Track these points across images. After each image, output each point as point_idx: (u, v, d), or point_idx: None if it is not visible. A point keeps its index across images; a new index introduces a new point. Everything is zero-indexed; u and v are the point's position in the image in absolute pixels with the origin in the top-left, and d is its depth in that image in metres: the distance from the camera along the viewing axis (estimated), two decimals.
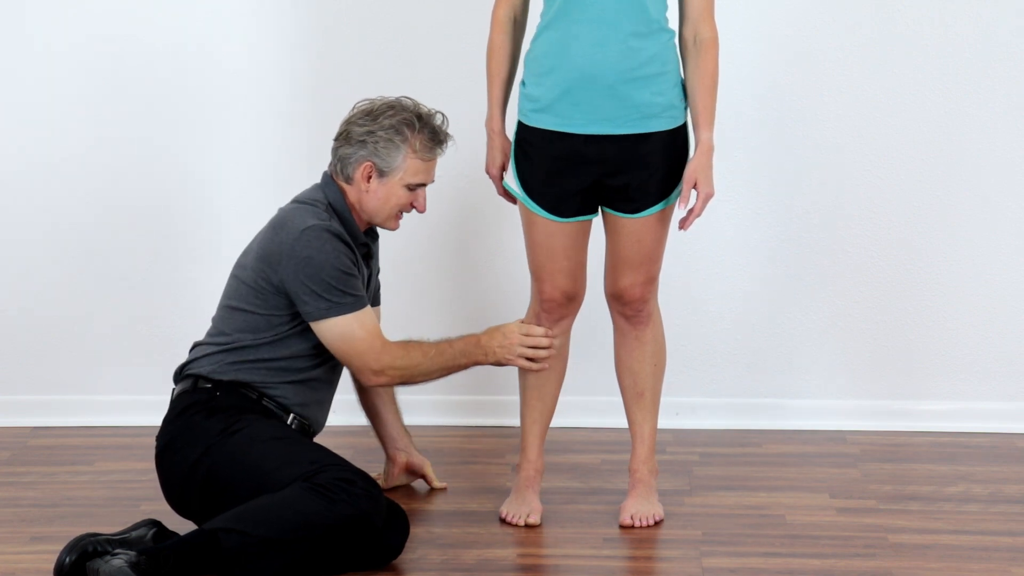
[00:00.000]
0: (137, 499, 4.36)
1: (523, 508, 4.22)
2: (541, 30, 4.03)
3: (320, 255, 3.95)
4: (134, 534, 3.87)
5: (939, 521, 4.22)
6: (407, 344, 4.03)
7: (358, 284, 4.00)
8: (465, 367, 4.06)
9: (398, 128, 4.03)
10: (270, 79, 4.92)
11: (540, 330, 4.08)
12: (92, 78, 4.92)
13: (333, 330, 3.98)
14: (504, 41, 4.09)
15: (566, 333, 4.21)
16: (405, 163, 4.05)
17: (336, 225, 4.01)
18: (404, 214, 4.13)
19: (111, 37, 4.90)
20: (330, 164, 4.11)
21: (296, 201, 4.09)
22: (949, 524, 4.20)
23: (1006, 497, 4.39)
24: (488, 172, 4.15)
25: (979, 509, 4.31)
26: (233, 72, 4.92)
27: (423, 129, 4.04)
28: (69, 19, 4.89)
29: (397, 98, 4.09)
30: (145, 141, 4.94)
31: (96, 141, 4.94)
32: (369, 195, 4.07)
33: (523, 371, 4.20)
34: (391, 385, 4.12)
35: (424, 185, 4.09)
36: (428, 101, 4.13)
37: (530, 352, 4.07)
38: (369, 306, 4.03)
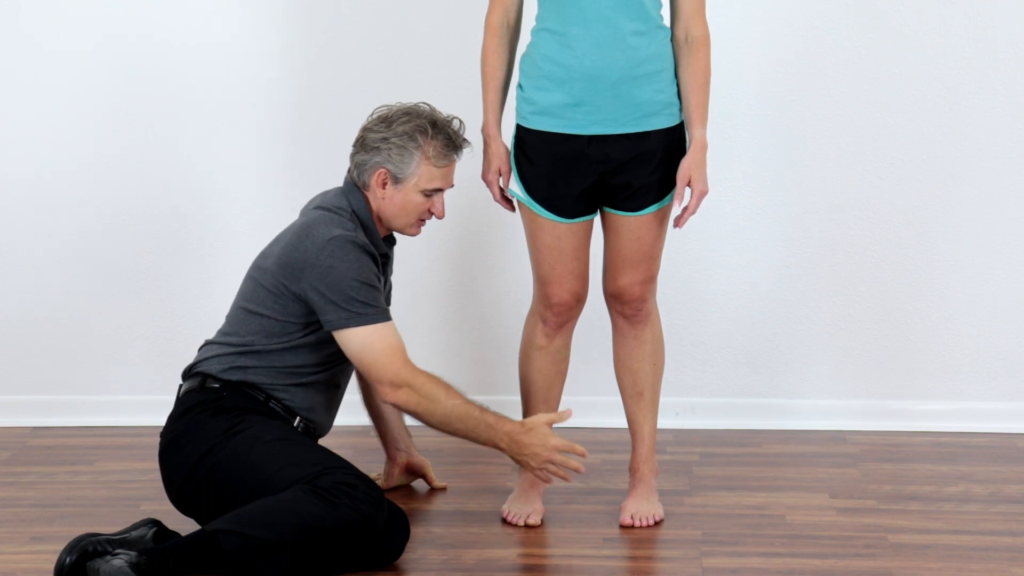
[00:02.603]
0: (137, 499, 4.36)
1: (525, 508, 4.22)
2: (538, 32, 4.03)
3: (343, 265, 3.94)
4: (134, 534, 3.87)
5: (939, 521, 4.22)
6: (435, 378, 3.95)
7: (379, 297, 3.97)
8: (482, 443, 3.94)
9: (411, 135, 4.02)
10: (275, 82, 4.92)
11: (581, 449, 3.93)
12: (96, 81, 4.92)
13: (354, 340, 3.95)
14: (498, 46, 4.08)
15: (568, 335, 4.21)
16: (419, 169, 4.03)
17: (361, 236, 3.99)
18: (425, 221, 4.11)
19: (116, 40, 4.90)
20: (348, 171, 4.11)
21: (321, 208, 4.06)
22: (949, 524, 4.20)
23: (1006, 497, 4.39)
24: (484, 178, 4.13)
25: (979, 509, 4.31)
26: (237, 74, 4.92)
27: (437, 135, 4.03)
28: (73, 23, 4.90)
29: (415, 104, 4.07)
30: (148, 142, 4.95)
31: (99, 143, 4.95)
32: (386, 202, 4.06)
33: (527, 375, 4.21)
34: (407, 409, 3.95)
35: (441, 190, 4.07)
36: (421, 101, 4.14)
37: (554, 470, 3.93)
38: (393, 321, 3.98)
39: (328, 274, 3.94)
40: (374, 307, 3.94)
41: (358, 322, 3.93)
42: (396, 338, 3.95)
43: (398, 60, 4.88)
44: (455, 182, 4.11)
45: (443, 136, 4.03)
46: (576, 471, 3.95)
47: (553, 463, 3.92)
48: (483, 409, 3.94)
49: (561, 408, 4.28)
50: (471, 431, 3.94)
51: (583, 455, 3.93)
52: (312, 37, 4.91)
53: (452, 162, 4.07)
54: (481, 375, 5.01)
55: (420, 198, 4.05)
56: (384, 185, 4.04)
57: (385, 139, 4.03)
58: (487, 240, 4.97)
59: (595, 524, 4.21)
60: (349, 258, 3.95)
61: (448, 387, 3.94)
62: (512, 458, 3.94)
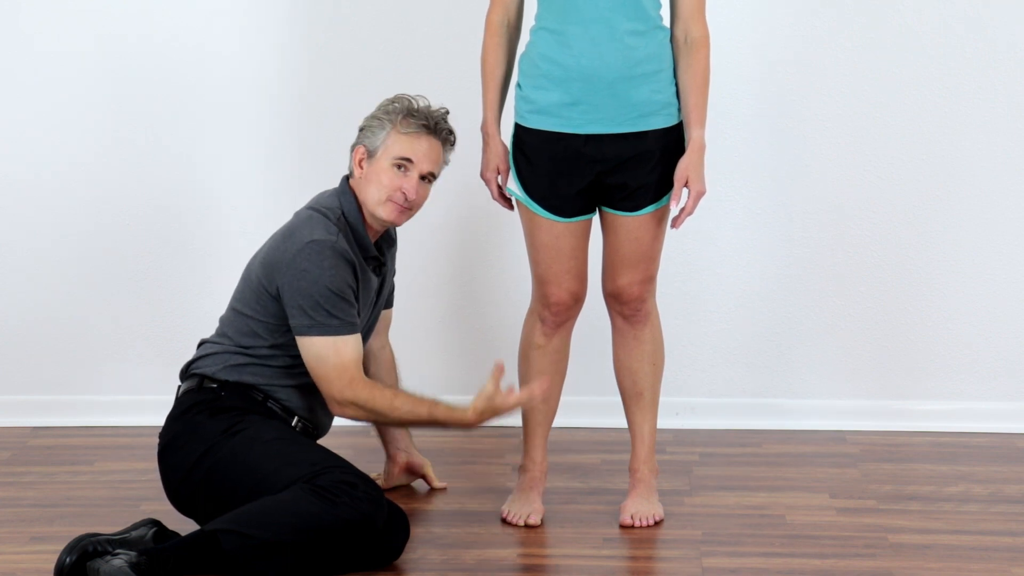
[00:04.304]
0: (137, 499, 4.36)
1: (525, 508, 4.22)
2: (536, 31, 4.03)
3: (316, 270, 3.93)
4: (134, 534, 3.87)
5: (939, 521, 4.22)
6: (377, 388, 3.97)
7: (348, 309, 3.96)
8: (444, 428, 4.00)
9: (385, 108, 4.05)
10: (275, 82, 4.92)
11: (537, 391, 3.99)
12: (96, 81, 4.92)
13: (310, 349, 3.95)
14: (498, 45, 4.08)
15: (567, 334, 4.21)
16: (388, 139, 4.03)
17: (342, 243, 3.98)
18: (405, 208, 4.04)
19: (115, 40, 4.89)
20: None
21: (312, 208, 4.06)
22: (949, 524, 4.20)
23: (1006, 497, 4.39)
24: (483, 176, 4.14)
25: (979, 509, 4.31)
26: (238, 74, 4.92)
27: (409, 109, 4.04)
28: (73, 23, 4.89)
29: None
30: (147, 142, 4.94)
31: (99, 143, 4.94)
32: (363, 181, 4.05)
33: (526, 374, 4.21)
34: (358, 420, 4.01)
35: (410, 161, 4.02)
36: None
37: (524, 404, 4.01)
38: (357, 334, 3.97)
39: (302, 277, 3.94)
40: (338, 319, 3.94)
41: (318, 331, 3.94)
42: (351, 354, 3.95)
43: (398, 60, 4.88)
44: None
45: (417, 111, 4.04)
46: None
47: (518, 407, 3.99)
48: (432, 407, 3.96)
49: (561, 407, 4.29)
50: (423, 429, 4.02)
51: (539, 388, 3.98)
52: (312, 37, 4.91)
53: (421, 133, 4.03)
54: (481, 375, 4.97)
55: (392, 171, 4.02)
56: (361, 164, 4.05)
57: (367, 118, 4.07)
58: (486, 240, 4.97)
59: (595, 524, 4.21)
60: (325, 264, 3.94)
61: (393, 396, 3.96)
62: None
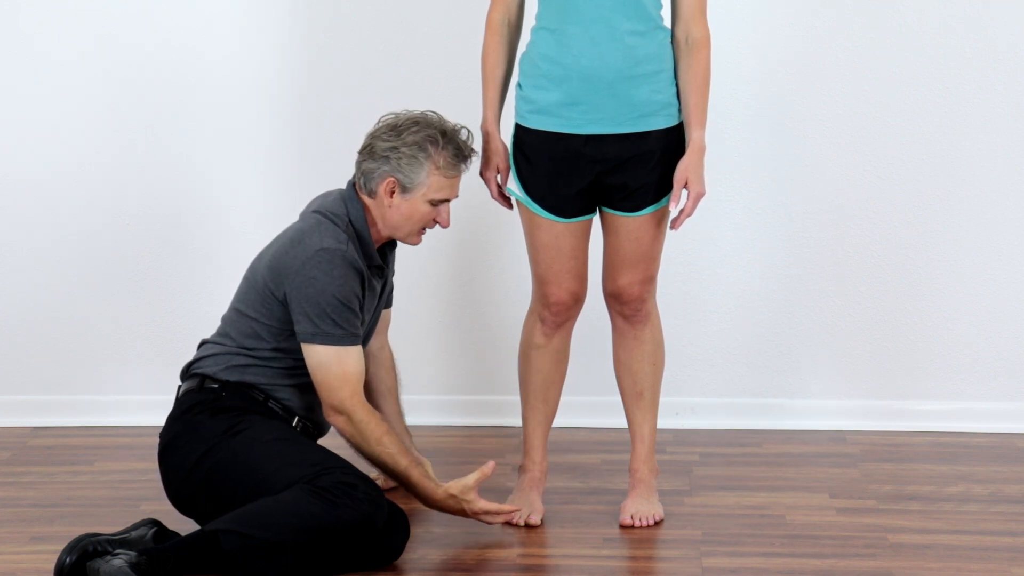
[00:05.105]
0: (137, 499, 4.36)
1: (525, 508, 4.22)
2: (537, 31, 4.03)
3: (325, 278, 3.93)
4: (134, 534, 3.87)
5: (939, 521, 4.22)
6: (376, 417, 3.99)
7: (353, 319, 3.97)
8: (408, 489, 4.05)
9: (422, 144, 4.00)
10: (274, 82, 4.92)
11: (508, 508, 4.09)
12: (96, 81, 4.92)
13: (313, 357, 3.96)
14: (498, 43, 4.08)
15: (568, 334, 4.21)
16: (428, 179, 4.02)
17: (352, 251, 3.98)
18: (427, 229, 4.10)
19: (115, 40, 4.89)
20: (353, 176, 4.10)
21: (319, 212, 4.04)
22: (949, 524, 4.20)
23: (1006, 497, 4.39)
24: (483, 175, 4.14)
25: (979, 509, 4.31)
26: (238, 74, 4.92)
27: (447, 146, 4.01)
28: (73, 23, 4.89)
29: (423, 113, 4.05)
30: (147, 142, 4.94)
31: (99, 143, 4.94)
32: (392, 210, 4.04)
33: (526, 374, 4.22)
34: (344, 434, 4.01)
35: (447, 201, 4.07)
36: (425, 103, 4.13)
37: (490, 520, 4.10)
38: (359, 346, 3.99)
39: (310, 284, 3.94)
40: (343, 329, 3.94)
41: (322, 340, 3.94)
42: (354, 366, 3.96)
43: (398, 60, 4.88)
44: (459, 193, 4.11)
45: (453, 147, 4.01)
46: (509, 522, 4.17)
47: (484, 520, 4.08)
48: (411, 464, 4.00)
49: (561, 407, 4.30)
50: (394, 479, 4.06)
51: (511, 511, 4.10)
52: (312, 37, 4.91)
53: (461, 173, 4.06)
54: (481, 375, 5.01)
55: (427, 208, 4.04)
56: (392, 194, 4.03)
57: (394, 148, 4.01)
58: (486, 240, 4.97)
59: (595, 524, 4.21)
60: (334, 273, 3.94)
61: (385, 433, 3.99)
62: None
